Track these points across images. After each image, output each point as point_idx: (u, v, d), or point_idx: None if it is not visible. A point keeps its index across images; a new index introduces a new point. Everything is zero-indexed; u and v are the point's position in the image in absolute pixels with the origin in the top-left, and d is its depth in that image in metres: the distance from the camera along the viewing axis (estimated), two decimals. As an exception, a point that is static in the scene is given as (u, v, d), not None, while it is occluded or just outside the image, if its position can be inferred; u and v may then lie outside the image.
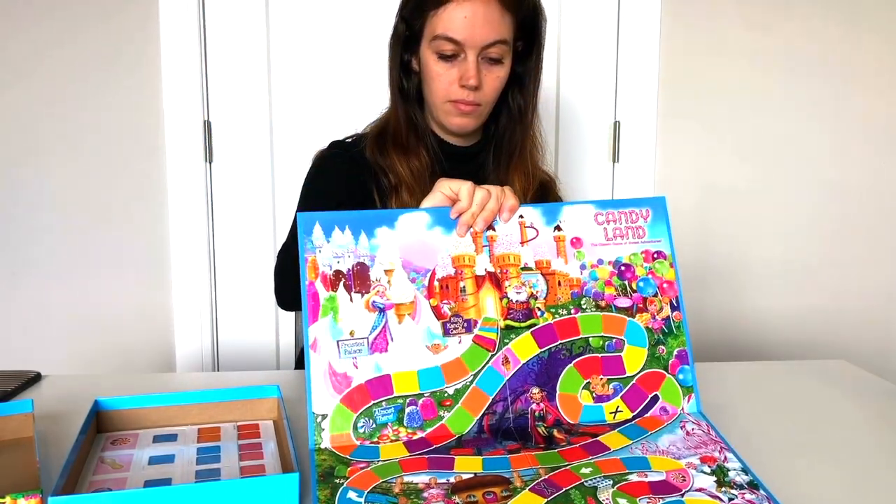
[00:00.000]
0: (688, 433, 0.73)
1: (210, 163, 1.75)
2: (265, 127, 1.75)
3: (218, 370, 1.80)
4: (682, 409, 0.76)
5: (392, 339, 0.74)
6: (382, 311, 0.75)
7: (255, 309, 1.80)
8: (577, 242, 0.81)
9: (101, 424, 0.86)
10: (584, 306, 0.78)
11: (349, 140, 1.20)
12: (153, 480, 0.74)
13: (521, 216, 0.81)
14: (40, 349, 1.74)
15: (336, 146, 1.18)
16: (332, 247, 0.76)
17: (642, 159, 1.81)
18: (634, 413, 0.75)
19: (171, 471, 0.76)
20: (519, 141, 1.13)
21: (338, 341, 0.73)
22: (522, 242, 0.80)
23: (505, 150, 1.14)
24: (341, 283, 0.75)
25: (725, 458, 0.69)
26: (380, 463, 0.68)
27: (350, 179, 1.13)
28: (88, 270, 1.74)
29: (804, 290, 1.89)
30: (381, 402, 0.72)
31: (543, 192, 1.22)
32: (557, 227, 0.81)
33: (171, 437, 0.85)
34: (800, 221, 1.87)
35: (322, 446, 0.71)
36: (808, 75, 1.81)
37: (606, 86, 1.80)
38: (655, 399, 0.77)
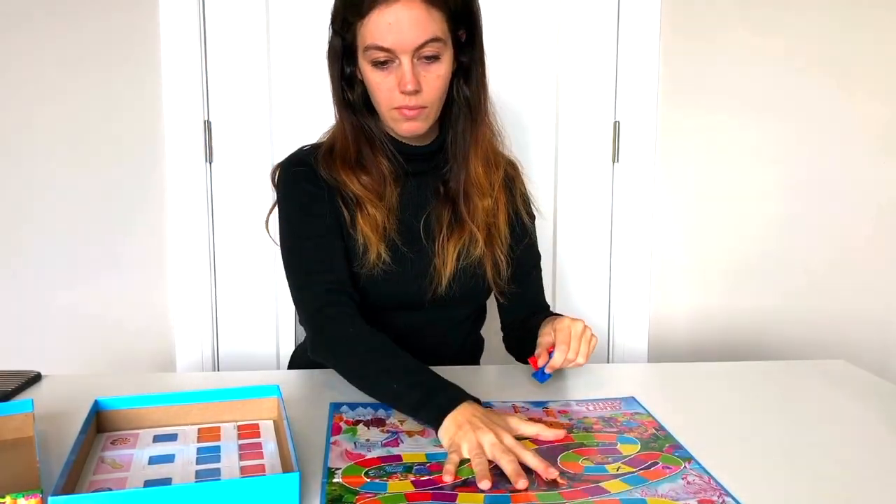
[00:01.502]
0: (688, 482, 0.76)
1: (210, 163, 1.75)
2: (265, 127, 1.75)
3: (218, 370, 1.80)
4: (685, 466, 0.80)
5: (403, 442, 0.86)
6: (395, 432, 0.89)
7: (256, 309, 1.80)
8: (563, 412, 0.96)
9: (101, 424, 0.86)
10: (574, 432, 0.90)
11: (306, 149, 1.17)
12: (153, 480, 0.74)
13: (513, 405, 0.99)
14: (40, 349, 1.74)
15: (296, 161, 1.14)
16: (355, 412, 0.95)
17: (642, 159, 1.81)
18: (637, 469, 0.80)
19: (171, 471, 0.77)
20: (473, 133, 1.10)
21: (354, 442, 0.86)
22: (515, 410, 0.97)
23: (461, 144, 1.11)
24: (361, 423, 0.92)
25: (724, 501, 0.72)
26: (387, 494, 0.73)
27: (319, 190, 1.11)
28: (88, 270, 1.74)
29: (804, 290, 1.90)
30: (392, 463, 0.81)
31: (510, 182, 1.20)
32: (546, 410, 0.98)
33: (171, 437, 0.85)
34: (800, 221, 1.87)
35: (334, 480, 0.76)
36: (808, 75, 1.81)
37: (606, 86, 1.80)
38: (656, 463, 0.81)
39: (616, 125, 1.81)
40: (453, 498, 0.72)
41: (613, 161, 1.83)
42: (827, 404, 1.00)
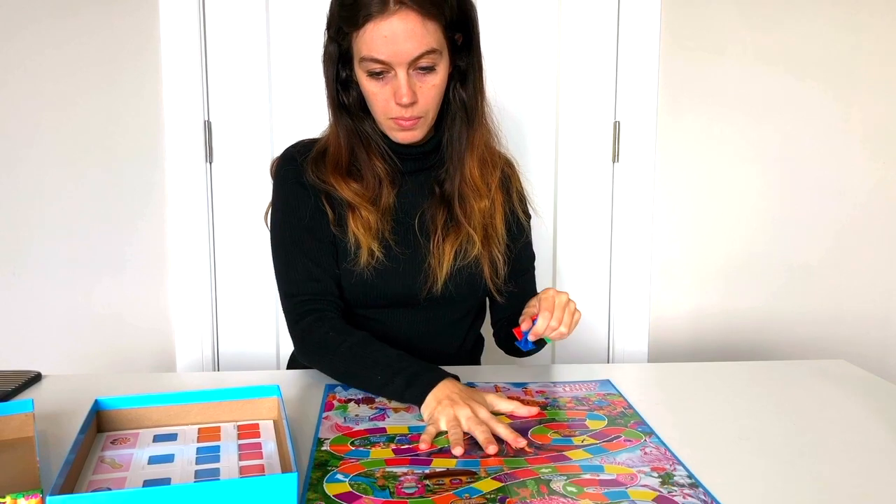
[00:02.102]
0: (646, 453, 0.82)
1: (210, 163, 1.75)
2: (265, 127, 1.75)
3: (218, 370, 1.80)
4: (645, 440, 0.86)
5: (389, 417, 0.93)
6: (383, 409, 0.96)
7: (256, 309, 1.80)
8: (540, 392, 1.02)
9: (101, 424, 0.86)
10: (548, 409, 0.96)
11: (303, 144, 1.16)
12: (152, 480, 0.74)
13: (495, 385, 1.04)
14: (40, 349, 1.74)
15: (289, 158, 1.14)
16: (347, 391, 1.03)
17: (642, 159, 1.81)
18: (600, 441, 0.86)
19: (170, 470, 0.77)
20: (469, 136, 1.10)
21: (345, 417, 0.93)
22: (497, 389, 1.03)
23: (456, 146, 1.11)
24: (352, 401, 0.98)
25: (675, 469, 0.78)
26: (369, 459, 0.80)
27: (304, 190, 1.11)
28: (88, 270, 1.74)
29: (804, 290, 1.90)
30: (377, 434, 0.88)
31: (506, 181, 1.20)
32: (525, 390, 1.03)
33: (171, 437, 0.85)
34: (799, 221, 1.87)
35: (322, 448, 0.83)
36: (808, 76, 1.81)
37: (606, 86, 1.80)
38: (619, 436, 0.87)
39: (616, 125, 1.81)
40: (428, 462, 0.79)
41: (613, 161, 1.83)
42: (827, 404, 1.00)
